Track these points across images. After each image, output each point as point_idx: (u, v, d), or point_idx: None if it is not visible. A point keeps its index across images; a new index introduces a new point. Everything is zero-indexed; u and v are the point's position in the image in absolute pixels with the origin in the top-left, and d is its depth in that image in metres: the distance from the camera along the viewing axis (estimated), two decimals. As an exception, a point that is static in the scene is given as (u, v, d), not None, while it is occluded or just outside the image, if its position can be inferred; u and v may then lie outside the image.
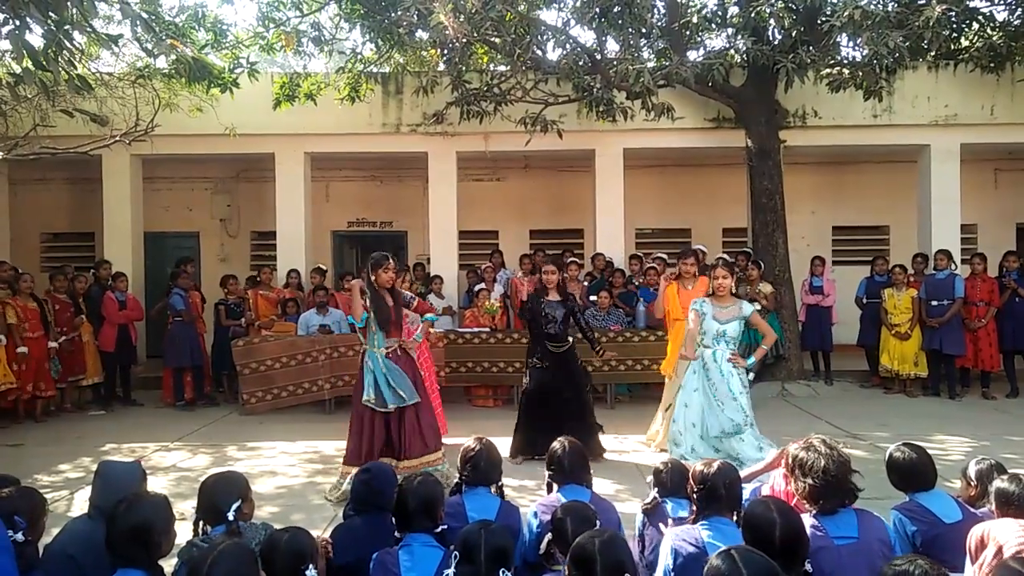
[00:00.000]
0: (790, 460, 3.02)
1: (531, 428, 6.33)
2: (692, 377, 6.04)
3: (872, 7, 7.80)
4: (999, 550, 2.60)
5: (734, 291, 6.15)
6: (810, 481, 2.88)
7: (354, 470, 5.40)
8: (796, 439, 3.11)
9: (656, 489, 3.34)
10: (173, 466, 6.53)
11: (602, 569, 2.35)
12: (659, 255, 10.62)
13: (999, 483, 2.97)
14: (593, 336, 6.73)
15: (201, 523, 2.95)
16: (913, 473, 3.24)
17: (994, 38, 10.00)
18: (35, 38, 5.21)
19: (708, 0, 10.49)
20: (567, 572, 2.45)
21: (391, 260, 5.66)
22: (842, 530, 2.82)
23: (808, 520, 2.83)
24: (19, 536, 2.77)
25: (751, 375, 6.21)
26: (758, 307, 9.43)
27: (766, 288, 9.61)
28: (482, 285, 9.83)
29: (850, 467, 2.93)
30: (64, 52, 5.46)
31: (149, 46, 7.43)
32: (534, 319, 6.52)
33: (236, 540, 2.62)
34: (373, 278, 5.57)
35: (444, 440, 7.05)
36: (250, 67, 9.05)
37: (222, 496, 2.94)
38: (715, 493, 2.93)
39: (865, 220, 12.79)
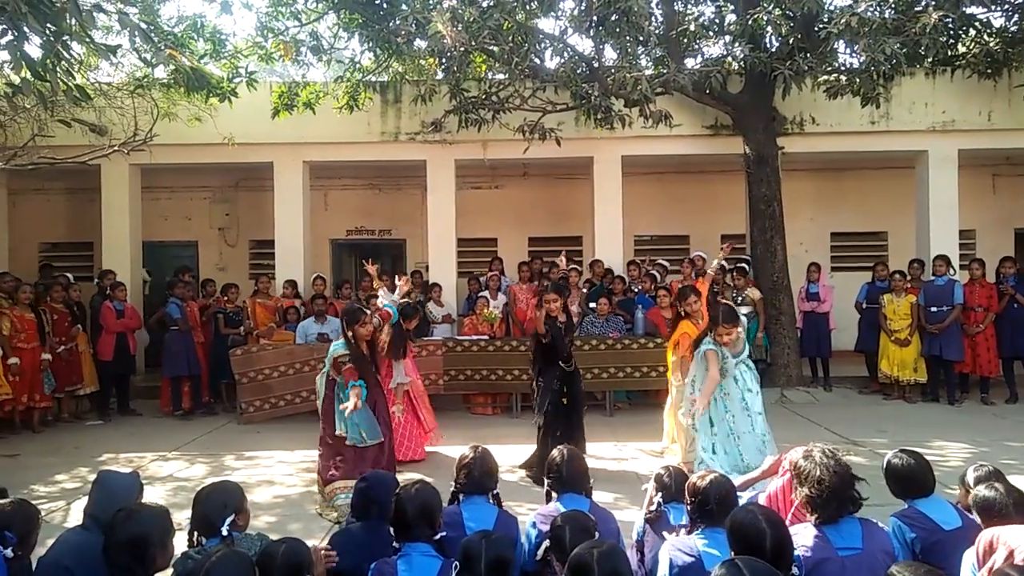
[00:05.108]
0: (792, 467, 3.02)
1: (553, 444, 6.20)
2: (715, 413, 5.63)
3: (869, 14, 7.80)
4: (1010, 554, 2.56)
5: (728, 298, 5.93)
6: (806, 491, 2.88)
7: (336, 485, 5.39)
8: (795, 446, 3.10)
9: (660, 494, 3.33)
10: (170, 476, 6.51)
11: (600, 580, 2.32)
12: (660, 262, 10.64)
13: (979, 491, 2.93)
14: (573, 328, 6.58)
15: (195, 535, 2.92)
16: (912, 480, 3.22)
17: (991, 44, 10.04)
18: (33, 49, 5.24)
19: (705, 8, 10.52)
20: (564, 583, 2.43)
21: (366, 314, 5.69)
22: (846, 540, 2.79)
23: (811, 531, 2.81)
24: (8, 552, 2.73)
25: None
26: (745, 311, 9.47)
27: (754, 294, 9.60)
28: (484, 293, 9.82)
29: (851, 477, 2.89)
30: (62, 62, 5.47)
31: (147, 56, 7.45)
32: (557, 347, 6.27)
33: (232, 548, 2.60)
34: (351, 333, 5.56)
35: (440, 448, 7.07)
36: (249, 76, 9.06)
37: (216, 508, 2.90)
38: (707, 506, 2.92)
39: (863, 226, 12.79)
